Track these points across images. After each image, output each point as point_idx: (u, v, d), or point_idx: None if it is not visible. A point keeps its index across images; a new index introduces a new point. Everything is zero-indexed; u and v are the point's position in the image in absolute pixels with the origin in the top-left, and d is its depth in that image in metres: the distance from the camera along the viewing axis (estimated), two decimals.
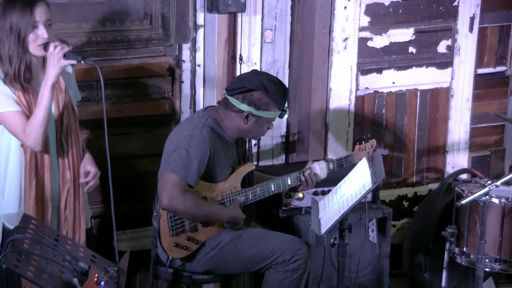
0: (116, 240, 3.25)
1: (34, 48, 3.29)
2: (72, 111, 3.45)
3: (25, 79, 3.31)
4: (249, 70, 4.25)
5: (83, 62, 3.30)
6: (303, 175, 3.91)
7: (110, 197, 3.28)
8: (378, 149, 3.91)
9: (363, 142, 4.08)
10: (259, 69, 4.35)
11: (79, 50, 4.03)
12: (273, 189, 3.88)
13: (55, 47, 3.23)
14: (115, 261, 3.01)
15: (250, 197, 3.84)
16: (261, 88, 3.75)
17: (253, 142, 4.44)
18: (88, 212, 3.64)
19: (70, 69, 3.54)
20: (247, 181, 3.93)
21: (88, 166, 3.52)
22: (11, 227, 3.34)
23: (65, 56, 3.24)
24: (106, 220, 4.25)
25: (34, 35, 3.28)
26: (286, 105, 3.87)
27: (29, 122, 3.26)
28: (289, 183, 3.91)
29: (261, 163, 4.50)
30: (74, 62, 3.28)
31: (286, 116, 3.85)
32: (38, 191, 3.35)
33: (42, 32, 3.28)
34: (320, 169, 3.93)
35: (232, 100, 3.78)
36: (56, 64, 3.23)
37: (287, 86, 4.13)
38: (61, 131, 3.40)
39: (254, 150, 4.51)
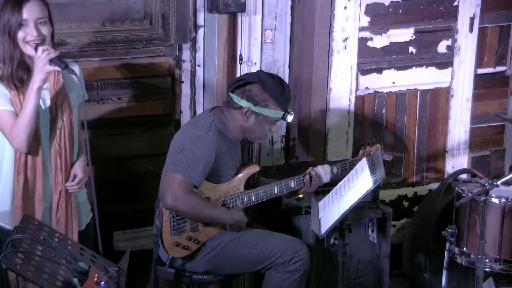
0: (100, 239, 3.24)
1: (23, 46, 3.28)
2: (69, 113, 3.42)
3: (18, 79, 3.29)
4: (251, 71, 4.26)
5: (65, 71, 3.27)
6: (306, 178, 3.90)
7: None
8: (382, 154, 3.91)
9: (367, 147, 4.07)
10: (259, 69, 4.35)
11: (79, 52, 4.04)
12: (276, 191, 3.87)
13: (43, 51, 3.22)
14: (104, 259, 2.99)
15: (253, 199, 3.84)
16: (258, 81, 3.75)
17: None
18: (87, 211, 3.63)
19: (77, 69, 3.53)
20: (251, 183, 3.93)
21: (78, 169, 3.49)
22: (4, 225, 3.35)
23: (52, 61, 3.22)
24: (106, 220, 4.26)
25: (23, 33, 3.27)
26: (289, 108, 3.85)
27: (15, 124, 3.26)
28: (292, 186, 3.90)
29: (261, 164, 4.49)
30: (58, 69, 3.25)
31: (290, 119, 3.83)
32: (27, 190, 3.34)
33: (30, 31, 3.26)
34: (324, 172, 3.92)
35: (233, 97, 3.78)
36: (42, 69, 3.22)
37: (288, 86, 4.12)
38: (55, 133, 3.38)
39: (257, 151, 4.50)
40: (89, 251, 2.93)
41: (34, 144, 3.32)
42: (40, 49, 3.22)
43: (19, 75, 3.30)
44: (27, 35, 3.26)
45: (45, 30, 3.30)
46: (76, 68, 3.53)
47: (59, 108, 3.38)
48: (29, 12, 3.25)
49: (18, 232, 2.69)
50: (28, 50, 3.28)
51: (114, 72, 4.17)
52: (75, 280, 2.60)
